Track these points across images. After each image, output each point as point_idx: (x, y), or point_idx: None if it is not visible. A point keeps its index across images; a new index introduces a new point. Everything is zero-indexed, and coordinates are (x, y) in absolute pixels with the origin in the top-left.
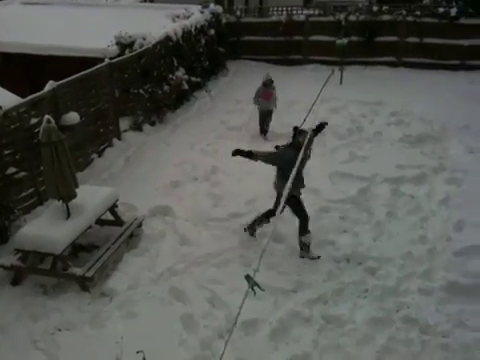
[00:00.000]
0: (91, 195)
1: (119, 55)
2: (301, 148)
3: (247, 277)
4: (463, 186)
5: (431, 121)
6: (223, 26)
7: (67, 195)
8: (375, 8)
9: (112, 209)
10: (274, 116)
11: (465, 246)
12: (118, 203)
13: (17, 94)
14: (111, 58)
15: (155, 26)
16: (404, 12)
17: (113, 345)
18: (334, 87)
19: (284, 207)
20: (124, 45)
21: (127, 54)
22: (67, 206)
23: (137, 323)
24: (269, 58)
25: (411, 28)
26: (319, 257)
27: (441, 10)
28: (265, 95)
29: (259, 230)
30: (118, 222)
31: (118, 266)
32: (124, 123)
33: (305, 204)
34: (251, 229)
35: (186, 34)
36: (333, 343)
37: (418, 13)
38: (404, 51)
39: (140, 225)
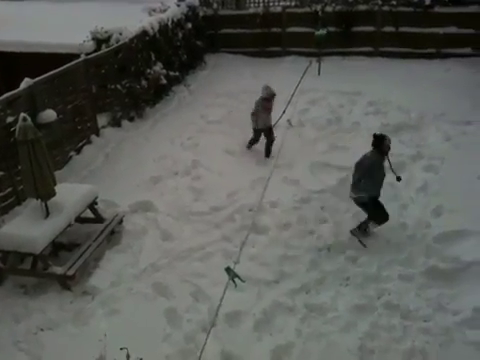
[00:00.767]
0: (70, 193)
1: (95, 51)
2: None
3: (227, 269)
4: (440, 173)
5: (408, 110)
6: (200, 19)
7: (46, 194)
8: None
9: (92, 206)
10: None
11: (444, 232)
12: (98, 200)
13: None
14: (87, 54)
15: (131, 20)
16: (380, 2)
17: (97, 343)
18: (313, 78)
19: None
20: (100, 40)
21: (103, 49)
22: (46, 205)
23: (120, 320)
24: (247, 51)
25: (387, 18)
26: (365, 246)
27: None
28: (267, 109)
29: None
30: (98, 219)
31: (100, 263)
32: (102, 119)
33: (286, 195)
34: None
35: (163, 28)
36: (316, 331)
37: (394, 2)
38: (381, 41)
39: (121, 221)
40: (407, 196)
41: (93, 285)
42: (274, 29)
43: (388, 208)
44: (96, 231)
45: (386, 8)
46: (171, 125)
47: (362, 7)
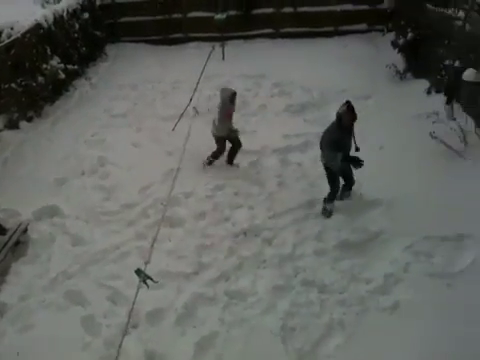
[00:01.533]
0: None
1: None
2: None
3: (137, 271)
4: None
5: (311, 89)
6: (97, 8)
7: None
8: None
9: None
10: (160, 97)
11: (352, 202)
12: None
13: None
14: None
15: (23, 14)
16: None
17: None
18: (217, 63)
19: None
20: None
21: None
22: None
23: (35, 334)
24: (150, 39)
25: None
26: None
27: None
28: (229, 113)
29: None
30: (0, 230)
31: (6, 278)
32: None
33: (199, 184)
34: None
35: (58, 20)
36: (238, 318)
37: None
38: (280, 22)
39: (25, 231)
40: (314, 174)
41: (1, 302)
42: (175, 15)
43: (297, 187)
44: None
45: None
46: (73, 122)
47: None
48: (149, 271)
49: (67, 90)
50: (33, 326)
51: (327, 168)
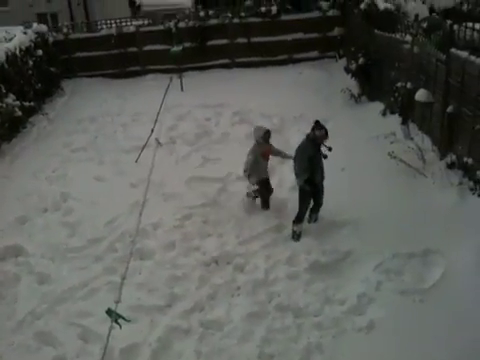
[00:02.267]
0: None
1: None
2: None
3: (108, 312)
4: None
5: (270, 116)
6: (51, 45)
7: None
8: (202, 13)
9: None
10: (120, 130)
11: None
12: None
13: None
14: None
15: None
16: (230, 15)
17: None
18: (176, 94)
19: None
20: None
21: None
22: None
23: None
24: (106, 73)
25: (238, 30)
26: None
27: (263, 9)
28: (266, 153)
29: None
30: None
31: None
32: None
33: (167, 214)
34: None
35: (11, 58)
36: (215, 348)
37: (243, 14)
38: (235, 52)
39: None
40: (281, 197)
41: None
42: (130, 49)
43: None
44: None
45: (236, 20)
46: (33, 159)
47: (214, 21)
48: (121, 306)
49: (24, 127)
50: None
51: (300, 190)
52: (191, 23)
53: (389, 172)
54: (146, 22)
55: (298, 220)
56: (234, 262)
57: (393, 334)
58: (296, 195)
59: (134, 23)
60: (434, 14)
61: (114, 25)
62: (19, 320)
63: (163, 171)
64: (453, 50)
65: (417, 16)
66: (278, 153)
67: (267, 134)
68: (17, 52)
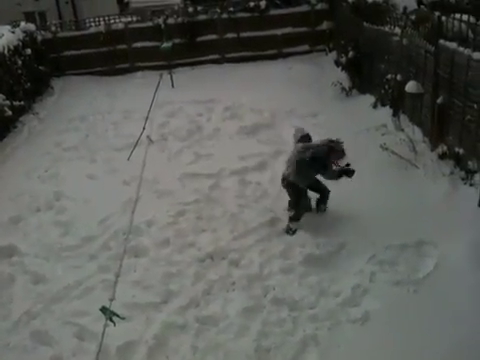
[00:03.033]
0: None
1: None
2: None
3: (103, 309)
4: None
5: (261, 110)
6: (39, 44)
7: None
8: (191, 9)
9: None
10: (112, 128)
11: None
12: None
13: None
14: None
15: None
16: (218, 10)
17: None
18: (167, 91)
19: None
20: None
21: None
22: None
23: None
24: (96, 70)
25: (227, 25)
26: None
27: (252, 4)
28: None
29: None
30: None
31: None
32: None
33: (160, 211)
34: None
35: None
36: (212, 343)
37: (231, 9)
38: (225, 47)
39: None
40: (274, 192)
41: None
42: (120, 46)
43: (258, 207)
44: None
45: (225, 16)
46: (24, 158)
47: (203, 17)
48: (116, 304)
49: (15, 127)
50: None
51: (293, 185)
52: (180, 19)
53: (381, 164)
54: (135, 19)
55: (296, 218)
56: (229, 257)
57: (388, 324)
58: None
59: (123, 20)
60: (422, 6)
61: (102, 22)
62: (15, 320)
63: (155, 168)
64: (441, 41)
65: (405, 8)
66: None
67: (307, 134)
68: (5, 51)
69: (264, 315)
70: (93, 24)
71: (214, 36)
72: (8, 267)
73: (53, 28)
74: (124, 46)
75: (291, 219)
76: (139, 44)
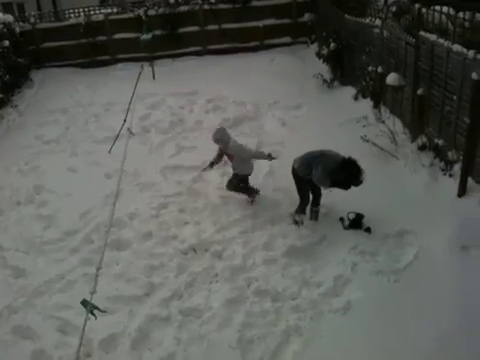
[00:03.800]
0: None
1: None
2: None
3: (83, 302)
4: (283, 156)
5: (244, 102)
6: (18, 35)
7: None
8: (172, 0)
9: None
10: (92, 120)
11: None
12: None
13: None
14: None
15: None
16: (200, 1)
17: None
18: (148, 83)
19: None
20: None
21: None
22: None
23: None
24: (75, 62)
25: (209, 16)
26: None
27: None
28: (230, 157)
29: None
30: None
31: None
32: None
33: (142, 204)
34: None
35: None
36: (195, 335)
37: (213, 1)
38: (206, 39)
39: None
40: (257, 183)
41: None
42: (100, 37)
43: (241, 199)
44: None
45: (206, 7)
46: (4, 152)
47: (184, 8)
48: (98, 297)
49: None
50: None
51: (300, 178)
52: (161, 10)
53: (362, 155)
54: (115, 10)
55: (301, 210)
56: (212, 249)
57: (370, 314)
58: (270, 181)
59: (103, 11)
60: None
61: (82, 14)
62: None
63: (137, 161)
64: (422, 33)
65: (386, 0)
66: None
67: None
68: None
69: (247, 306)
70: (73, 15)
71: (196, 28)
72: None
73: (32, 19)
74: (104, 38)
75: (297, 211)
76: (120, 36)
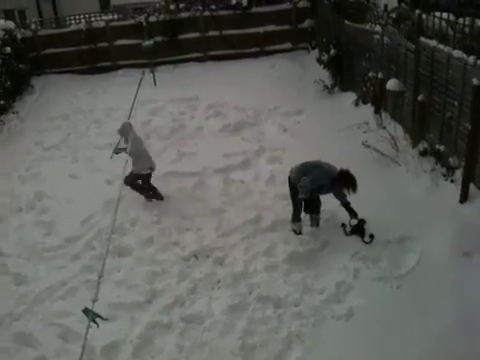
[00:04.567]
0: None
1: None
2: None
3: (85, 311)
4: (284, 162)
5: (245, 108)
6: (19, 42)
7: None
8: (173, 6)
9: None
10: (93, 126)
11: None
12: None
13: None
14: None
15: None
16: (200, 8)
17: None
18: (149, 89)
19: None
20: None
21: None
22: None
23: None
24: (76, 69)
25: (210, 22)
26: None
27: (233, 2)
28: None
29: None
30: None
31: None
32: None
33: (144, 210)
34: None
35: None
36: (197, 342)
37: (213, 7)
38: (207, 45)
39: None
40: (257, 190)
41: None
42: (101, 44)
43: (242, 205)
44: None
45: (207, 13)
46: (5, 158)
47: (185, 14)
48: (100, 304)
49: None
50: None
51: (294, 187)
52: (162, 17)
53: (363, 161)
54: (116, 17)
55: (295, 219)
56: (213, 255)
57: (372, 320)
58: (271, 187)
59: (104, 18)
60: (403, 4)
61: (83, 20)
62: None
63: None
64: (422, 39)
65: (386, 6)
66: None
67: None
68: None
69: (249, 313)
70: (73, 22)
71: (197, 34)
72: None
73: (33, 26)
74: (105, 44)
75: (292, 221)
76: (121, 42)
